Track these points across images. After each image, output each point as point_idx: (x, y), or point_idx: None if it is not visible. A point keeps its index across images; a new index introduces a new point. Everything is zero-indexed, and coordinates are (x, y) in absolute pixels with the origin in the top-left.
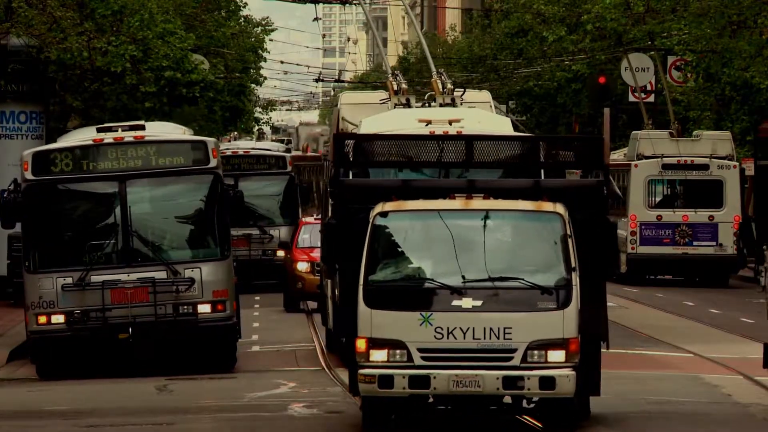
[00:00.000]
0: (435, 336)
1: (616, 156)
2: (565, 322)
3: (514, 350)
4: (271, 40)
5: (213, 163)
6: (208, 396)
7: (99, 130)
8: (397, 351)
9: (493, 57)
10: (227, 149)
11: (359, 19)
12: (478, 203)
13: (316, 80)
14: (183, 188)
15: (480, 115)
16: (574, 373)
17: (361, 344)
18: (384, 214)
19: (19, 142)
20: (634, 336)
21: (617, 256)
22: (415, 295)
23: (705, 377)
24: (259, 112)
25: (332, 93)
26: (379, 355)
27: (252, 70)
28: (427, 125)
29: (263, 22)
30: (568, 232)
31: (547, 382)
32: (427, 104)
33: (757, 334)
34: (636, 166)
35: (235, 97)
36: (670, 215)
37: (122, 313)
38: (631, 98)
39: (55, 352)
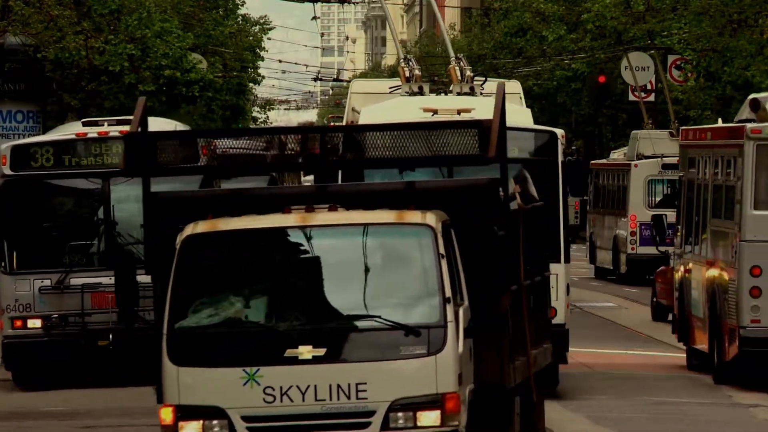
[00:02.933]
0: (264, 399)
1: (616, 156)
2: (438, 372)
3: (372, 413)
4: (269, 38)
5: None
6: None
7: (85, 124)
8: (215, 422)
9: (493, 56)
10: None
11: (358, 18)
12: (321, 217)
13: (315, 79)
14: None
15: None
16: None
17: (166, 415)
18: (193, 239)
19: None
20: (634, 336)
21: (509, 277)
22: (237, 344)
23: (705, 378)
24: (257, 111)
25: (330, 92)
26: (190, 429)
27: (250, 69)
28: (433, 115)
29: (261, 21)
30: (442, 251)
31: None
32: (443, 93)
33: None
34: (636, 166)
35: (234, 95)
36: (670, 215)
37: (103, 318)
38: (631, 97)
39: (31, 358)
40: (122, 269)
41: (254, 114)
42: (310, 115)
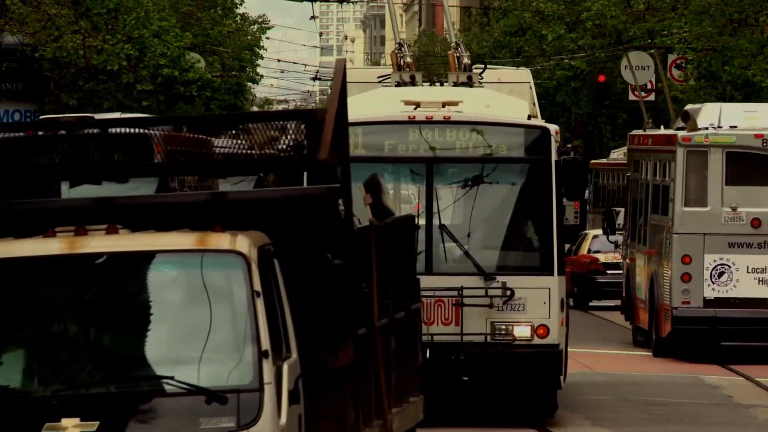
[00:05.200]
0: None
1: (616, 155)
2: None
3: None
4: (267, 38)
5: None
6: None
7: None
8: None
9: (492, 56)
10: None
11: (357, 18)
12: (95, 242)
13: (313, 79)
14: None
15: (490, 97)
16: None
17: None
18: None
19: None
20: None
21: (352, 319)
22: None
23: (705, 378)
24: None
25: (329, 92)
26: None
27: (248, 69)
28: (415, 108)
29: (260, 20)
30: (258, 287)
31: None
32: (438, 83)
33: None
34: None
35: (232, 95)
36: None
37: None
38: (631, 97)
39: None
40: None
41: None
42: None
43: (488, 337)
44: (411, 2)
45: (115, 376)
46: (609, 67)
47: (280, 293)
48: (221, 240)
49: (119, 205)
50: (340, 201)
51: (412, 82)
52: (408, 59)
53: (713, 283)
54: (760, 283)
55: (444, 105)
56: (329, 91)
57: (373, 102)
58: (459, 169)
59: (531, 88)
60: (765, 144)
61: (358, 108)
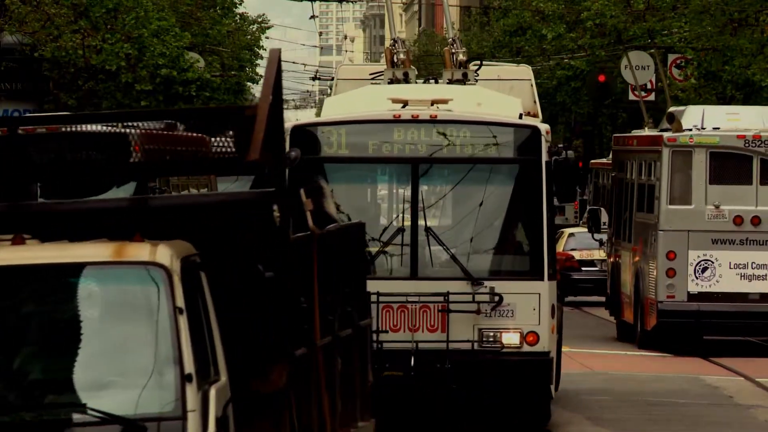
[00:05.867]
0: None
1: None
2: None
3: None
4: (267, 37)
5: None
6: None
7: None
8: None
9: (492, 55)
10: None
11: (356, 17)
12: (3, 254)
13: (313, 78)
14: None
15: (483, 95)
16: None
17: None
18: None
19: None
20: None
21: (287, 338)
22: None
23: (706, 378)
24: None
25: (329, 91)
26: None
27: (248, 69)
28: (402, 107)
29: (259, 20)
30: (180, 303)
31: None
32: (432, 80)
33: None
34: None
35: (232, 95)
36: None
37: None
38: (631, 96)
39: None
40: None
41: None
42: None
43: (476, 344)
44: (411, 2)
45: (23, 402)
46: (609, 67)
47: (207, 309)
48: (140, 251)
49: (30, 212)
50: (275, 207)
51: (406, 80)
52: (402, 56)
53: (697, 278)
54: (742, 278)
55: (433, 103)
56: (328, 91)
57: (360, 100)
58: (445, 169)
59: (532, 85)
60: (747, 144)
61: (344, 106)
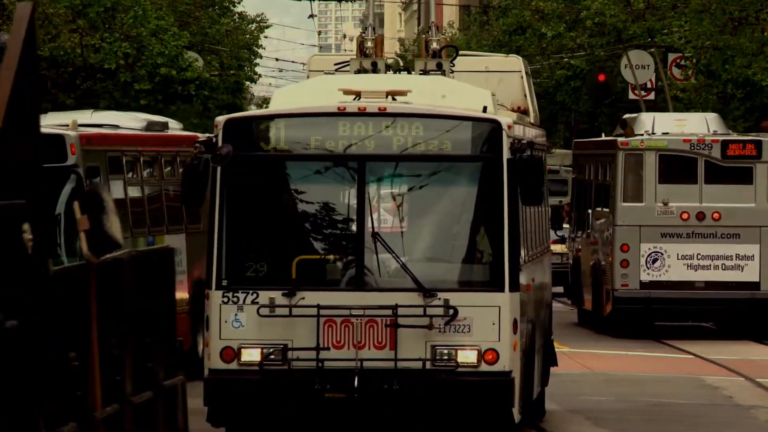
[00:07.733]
0: None
1: None
2: None
3: None
4: (265, 37)
5: (71, 160)
6: None
7: None
8: None
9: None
10: None
11: (355, 17)
12: None
13: None
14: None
15: (449, 87)
16: None
17: None
18: None
19: None
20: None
21: (37, 407)
22: None
23: (706, 379)
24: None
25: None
26: None
27: (246, 68)
28: (355, 98)
29: (258, 19)
30: None
31: None
32: (405, 70)
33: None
34: None
35: (230, 94)
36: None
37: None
38: (631, 96)
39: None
40: None
41: None
42: None
43: (427, 363)
44: (410, 1)
45: None
46: (609, 66)
47: None
48: None
49: None
50: (26, 227)
51: (374, 70)
52: (370, 43)
53: (648, 268)
54: (689, 268)
55: (388, 95)
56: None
57: (307, 92)
58: (396, 168)
59: (523, 77)
60: (692, 147)
61: (292, 98)
